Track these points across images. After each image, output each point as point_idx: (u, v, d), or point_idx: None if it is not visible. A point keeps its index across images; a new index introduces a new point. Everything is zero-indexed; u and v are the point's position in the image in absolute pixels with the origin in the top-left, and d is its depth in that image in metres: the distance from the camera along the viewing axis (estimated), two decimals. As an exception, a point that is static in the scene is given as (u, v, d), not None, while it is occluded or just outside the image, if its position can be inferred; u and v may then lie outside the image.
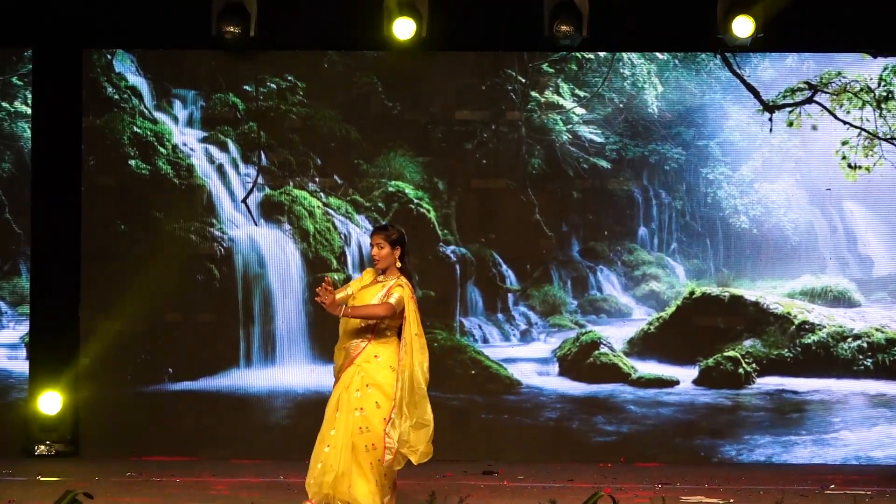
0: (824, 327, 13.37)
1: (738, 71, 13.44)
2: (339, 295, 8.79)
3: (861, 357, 13.32)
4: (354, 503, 8.64)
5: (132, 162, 13.54)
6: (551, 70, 13.58)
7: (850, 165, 13.40)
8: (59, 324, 13.25)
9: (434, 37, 13.02)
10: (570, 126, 13.57)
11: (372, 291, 8.82)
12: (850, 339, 13.36)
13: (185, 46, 13.53)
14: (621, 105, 13.56)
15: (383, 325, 8.78)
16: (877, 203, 13.46)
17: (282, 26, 13.23)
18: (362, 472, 8.69)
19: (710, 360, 13.36)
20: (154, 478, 11.65)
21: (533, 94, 13.56)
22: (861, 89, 13.35)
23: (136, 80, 13.64)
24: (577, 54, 13.49)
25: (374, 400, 8.73)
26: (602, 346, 13.47)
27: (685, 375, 13.39)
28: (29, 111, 13.53)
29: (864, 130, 13.36)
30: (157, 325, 13.50)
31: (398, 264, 8.81)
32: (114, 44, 13.53)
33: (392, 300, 8.72)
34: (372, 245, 8.83)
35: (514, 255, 13.60)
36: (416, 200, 13.55)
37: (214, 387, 13.49)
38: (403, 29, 12.87)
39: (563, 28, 12.75)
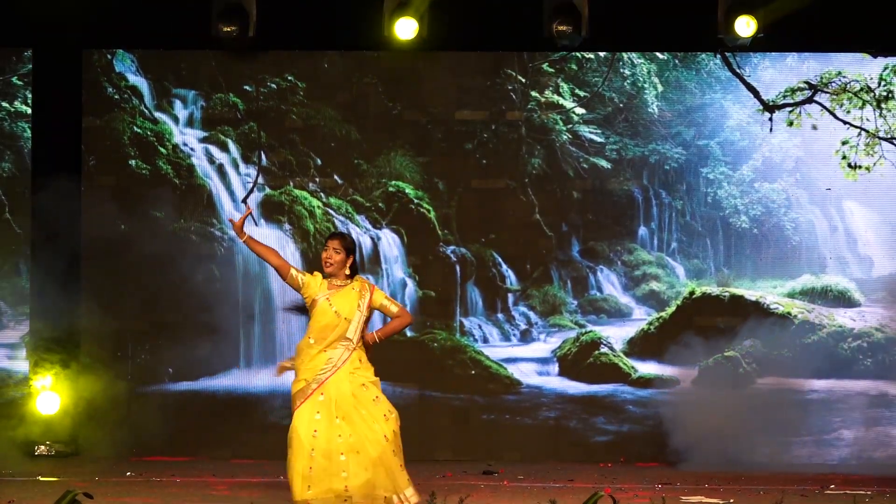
0: (824, 327, 13.36)
1: (738, 71, 13.44)
2: (303, 278, 8.95)
3: (861, 357, 13.31)
4: (400, 491, 8.85)
5: (132, 162, 13.55)
6: (551, 70, 13.58)
7: (850, 165, 13.40)
8: (59, 324, 13.24)
9: (434, 37, 13.02)
10: (570, 126, 13.57)
11: (349, 296, 8.98)
12: (850, 339, 13.35)
13: (185, 46, 13.53)
14: (621, 105, 13.56)
15: (362, 331, 9.04)
16: (877, 203, 13.45)
17: (282, 26, 13.22)
18: (397, 462, 8.90)
19: (710, 360, 13.36)
20: (154, 478, 11.65)
21: (533, 94, 13.56)
22: (861, 89, 13.35)
23: (136, 80, 13.64)
24: (577, 54, 13.49)
25: (378, 390, 9.08)
26: (602, 346, 13.46)
27: (685, 375, 13.39)
28: (29, 111, 13.53)
29: (864, 130, 13.36)
30: (157, 325, 13.49)
31: (347, 272, 9.06)
32: (114, 44, 13.54)
33: (397, 305, 9.17)
34: (326, 248, 9.02)
35: (514, 255, 13.61)
36: (416, 200, 13.55)
37: (214, 387, 13.49)
38: (403, 29, 12.86)
39: (563, 28, 12.73)
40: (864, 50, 13.31)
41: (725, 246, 13.52)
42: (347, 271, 9.08)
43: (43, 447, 13.18)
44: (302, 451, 8.87)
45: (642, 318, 13.52)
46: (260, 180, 13.60)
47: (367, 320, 9.12)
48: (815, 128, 13.41)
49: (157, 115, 13.61)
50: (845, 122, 13.38)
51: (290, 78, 13.58)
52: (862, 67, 13.36)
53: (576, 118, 13.56)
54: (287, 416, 13.39)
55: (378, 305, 9.07)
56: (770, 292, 13.41)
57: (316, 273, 9.15)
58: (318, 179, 13.58)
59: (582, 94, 13.57)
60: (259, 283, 13.53)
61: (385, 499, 8.84)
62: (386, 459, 8.88)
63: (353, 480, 8.81)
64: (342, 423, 8.87)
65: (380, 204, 13.56)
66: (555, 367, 13.51)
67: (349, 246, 9.10)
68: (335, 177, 13.58)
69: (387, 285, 13.42)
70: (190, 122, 13.66)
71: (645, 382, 13.40)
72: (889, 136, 13.34)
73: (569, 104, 13.57)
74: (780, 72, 13.45)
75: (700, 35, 13.13)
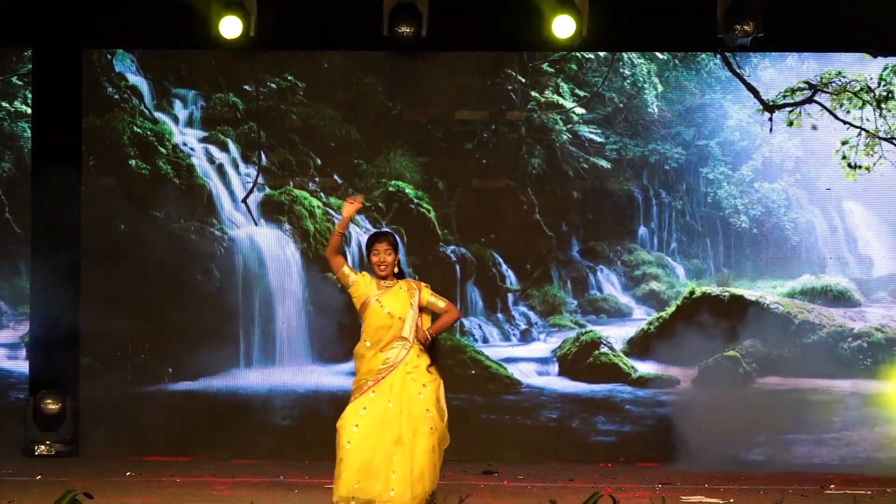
0: (824, 327, 13.36)
1: (738, 71, 13.45)
2: (353, 276, 8.74)
3: (861, 357, 13.31)
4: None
5: (132, 162, 13.55)
6: (551, 70, 13.58)
7: (850, 165, 13.40)
8: (59, 324, 13.24)
9: (434, 37, 13.02)
10: (570, 126, 13.57)
11: (399, 295, 8.75)
12: (850, 339, 13.35)
13: (185, 46, 13.53)
14: (621, 105, 13.56)
15: (417, 328, 8.80)
16: (877, 203, 13.45)
17: (282, 26, 13.23)
18: (422, 485, 8.71)
19: (710, 360, 13.36)
20: (154, 478, 11.65)
21: (533, 94, 13.56)
22: (861, 89, 13.35)
23: (136, 80, 13.64)
24: (577, 54, 13.49)
25: (434, 397, 8.71)
26: (602, 345, 13.47)
27: (685, 375, 13.39)
28: (29, 111, 13.53)
29: (864, 130, 13.36)
30: (157, 325, 13.50)
31: (396, 270, 8.76)
32: (114, 44, 13.54)
33: (443, 300, 8.84)
34: (377, 252, 8.74)
35: (514, 255, 13.61)
36: (416, 200, 13.55)
37: (214, 387, 13.49)
38: (402, 29, 12.85)
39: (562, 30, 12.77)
40: (864, 50, 13.32)
41: (725, 246, 13.52)
42: (396, 269, 8.90)
43: (43, 447, 13.18)
44: (339, 442, 8.71)
45: (642, 318, 13.53)
46: (260, 180, 13.60)
47: (419, 317, 8.77)
48: (815, 128, 13.41)
49: (157, 115, 13.61)
50: (845, 122, 13.38)
51: (290, 78, 13.58)
52: (862, 67, 13.36)
53: (576, 118, 13.56)
54: (287, 416, 13.51)
55: (426, 303, 8.83)
56: (770, 292, 13.42)
57: (364, 272, 8.92)
58: (317, 179, 13.58)
59: (582, 94, 13.57)
60: (259, 283, 13.54)
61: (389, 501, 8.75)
62: (417, 472, 8.75)
63: (395, 483, 8.64)
64: (393, 421, 8.67)
65: (380, 204, 13.56)
66: (555, 367, 13.51)
67: (396, 243, 8.86)
68: (335, 177, 13.59)
69: (387, 285, 13.41)
70: (190, 122, 13.67)
71: (645, 382, 13.40)
72: (889, 136, 13.34)
73: (569, 104, 13.57)
74: (780, 72, 13.45)
75: (700, 35, 13.13)
